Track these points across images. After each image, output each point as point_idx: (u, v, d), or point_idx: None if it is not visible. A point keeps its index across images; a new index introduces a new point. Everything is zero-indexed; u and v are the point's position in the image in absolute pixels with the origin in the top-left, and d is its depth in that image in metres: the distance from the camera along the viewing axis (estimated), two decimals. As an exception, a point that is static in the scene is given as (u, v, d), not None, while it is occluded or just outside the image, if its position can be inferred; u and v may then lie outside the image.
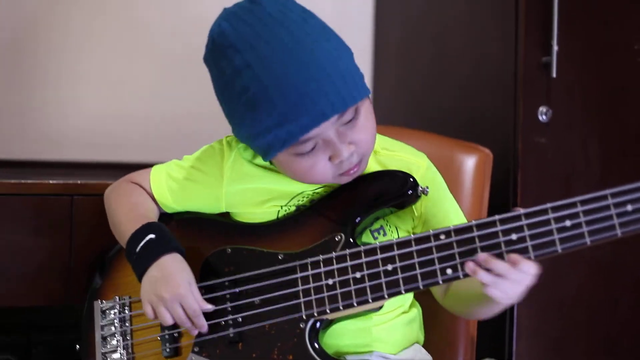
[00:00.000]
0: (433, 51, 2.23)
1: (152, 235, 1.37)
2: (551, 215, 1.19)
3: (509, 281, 1.20)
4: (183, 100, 2.35)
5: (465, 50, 2.10)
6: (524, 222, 1.21)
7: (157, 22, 2.34)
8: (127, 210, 1.46)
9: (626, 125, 1.96)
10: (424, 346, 1.49)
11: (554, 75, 1.85)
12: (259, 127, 1.27)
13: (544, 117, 1.88)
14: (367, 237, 1.39)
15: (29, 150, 2.24)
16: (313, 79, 1.23)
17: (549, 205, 1.20)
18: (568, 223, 1.18)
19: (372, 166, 1.41)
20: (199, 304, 1.33)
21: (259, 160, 1.41)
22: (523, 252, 1.20)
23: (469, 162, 1.71)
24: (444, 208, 1.42)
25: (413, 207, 1.40)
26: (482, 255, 1.21)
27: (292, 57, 1.23)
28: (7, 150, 2.22)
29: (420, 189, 1.33)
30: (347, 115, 1.28)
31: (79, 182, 1.72)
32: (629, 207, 1.16)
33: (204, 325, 1.34)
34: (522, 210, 1.21)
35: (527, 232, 1.20)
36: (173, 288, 1.32)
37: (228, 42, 1.27)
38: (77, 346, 1.50)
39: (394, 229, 1.40)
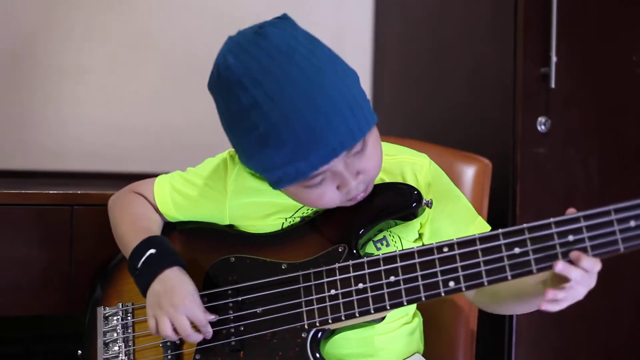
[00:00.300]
0: (432, 61, 2.23)
1: (152, 250, 1.37)
2: (554, 230, 1.20)
3: (580, 286, 1.21)
4: (183, 111, 2.35)
5: (464, 60, 2.11)
6: (527, 236, 1.21)
7: (158, 33, 2.34)
8: (130, 222, 1.46)
9: (625, 134, 1.97)
10: (423, 355, 1.49)
11: (553, 85, 1.86)
12: (268, 163, 1.26)
13: (543, 127, 1.88)
14: (370, 248, 1.40)
15: (29, 160, 2.24)
16: (322, 114, 1.21)
17: (552, 219, 1.20)
18: (571, 238, 1.19)
19: None
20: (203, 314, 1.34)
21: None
22: (526, 265, 1.21)
23: (468, 172, 1.71)
24: (451, 204, 1.42)
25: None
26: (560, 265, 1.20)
27: (300, 93, 1.20)
28: (7, 161, 2.22)
29: (425, 201, 1.33)
30: (356, 148, 1.26)
31: (79, 192, 1.71)
32: (632, 223, 1.17)
33: (210, 332, 1.35)
34: (525, 225, 1.22)
35: (529, 247, 1.21)
36: (179, 300, 1.32)
37: (235, 78, 1.23)
38: (79, 352, 1.51)
39: (397, 239, 1.41)
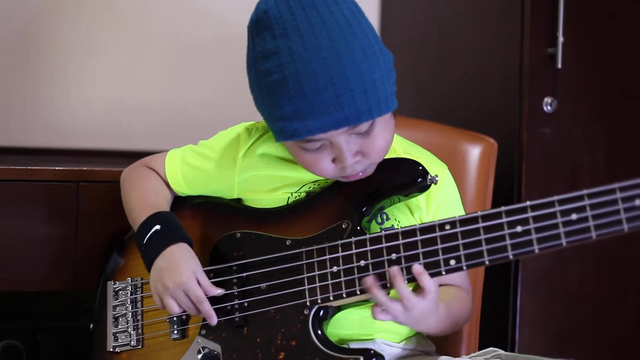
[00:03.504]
0: (438, 41, 2.23)
1: (158, 227, 1.38)
2: (557, 208, 1.19)
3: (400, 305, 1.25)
4: (189, 89, 2.35)
5: (470, 40, 2.10)
6: (529, 214, 1.20)
7: (162, 13, 2.33)
8: (139, 197, 1.47)
9: (632, 114, 1.96)
10: (427, 335, 1.49)
11: (559, 66, 1.85)
12: (272, 112, 1.28)
13: (549, 107, 1.88)
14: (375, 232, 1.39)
15: (36, 138, 2.24)
16: (333, 86, 1.22)
17: (555, 197, 1.19)
18: (574, 216, 1.18)
19: None
20: (206, 289, 1.34)
21: (273, 150, 1.42)
22: (528, 244, 1.20)
23: (474, 152, 1.71)
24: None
25: (424, 209, 1.41)
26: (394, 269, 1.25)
27: (320, 60, 1.22)
28: (13, 138, 2.23)
29: (430, 177, 1.33)
30: (362, 127, 1.27)
31: (84, 168, 1.72)
32: (637, 202, 1.15)
33: (209, 311, 1.35)
34: (528, 202, 1.21)
35: (532, 225, 1.20)
36: (176, 277, 1.33)
37: (267, 22, 1.26)
38: (91, 325, 1.52)
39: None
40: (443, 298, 1.34)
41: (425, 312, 1.27)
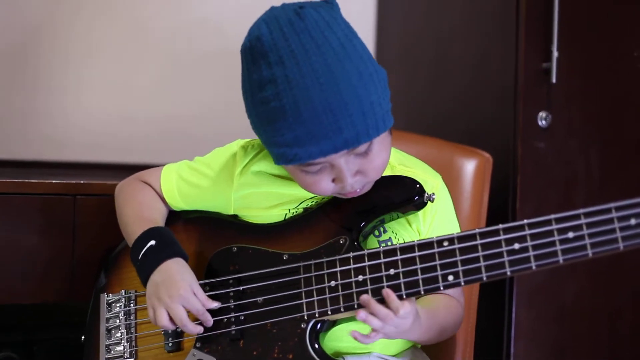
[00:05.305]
0: (434, 55, 2.23)
1: (153, 242, 1.38)
2: (554, 227, 1.21)
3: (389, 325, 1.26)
4: (186, 101, 2.35)
5: (465, 54, 2.11)
6: (527, 232, 1.22)
7: (160, 23, 2.33)
8: (134, 211, 1.48)
9: (626, 130, 1.97)
10: (422, 348, 1.50)
11: (554, 80, 1.86)
12: (271, 139, 1.28)
13: (544, 122, 1.89)
14: (373, 245, 1.40)
15: (33, 150, 2.24)
16: (332, 112, 1.22)
17: (552, 216, 1.21)
18: (571, 235, 1.20)
19: None
20: (203, 302, 1.35)
21: (269, 168, 1.43)
22: (525, 261, 1.22)
23: (469, 166, 1.72)
24: (447, 232, 1.43)
25: (421, 221, 1.42)
26: (364, 297, 1.26)
27: (316, 85, 1.22)
28: (11, 151, 2.23)
29: (427, 195, 1.34)
30: (360, 149, 1.28)
31: (81, 182, 1.73)
32: (632, 222, 1.17)
33: (210, 320, 1.36)
34: (525, 221, 1.22)
35: (529, 243, 1.22)
36: (174, 291, 1.34)
37: (262, 49, 1.26)
38: (82, 337, 1.52)
39: (402, 241, 1.41)
40: (428, 306, 1.35)
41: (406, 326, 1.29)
